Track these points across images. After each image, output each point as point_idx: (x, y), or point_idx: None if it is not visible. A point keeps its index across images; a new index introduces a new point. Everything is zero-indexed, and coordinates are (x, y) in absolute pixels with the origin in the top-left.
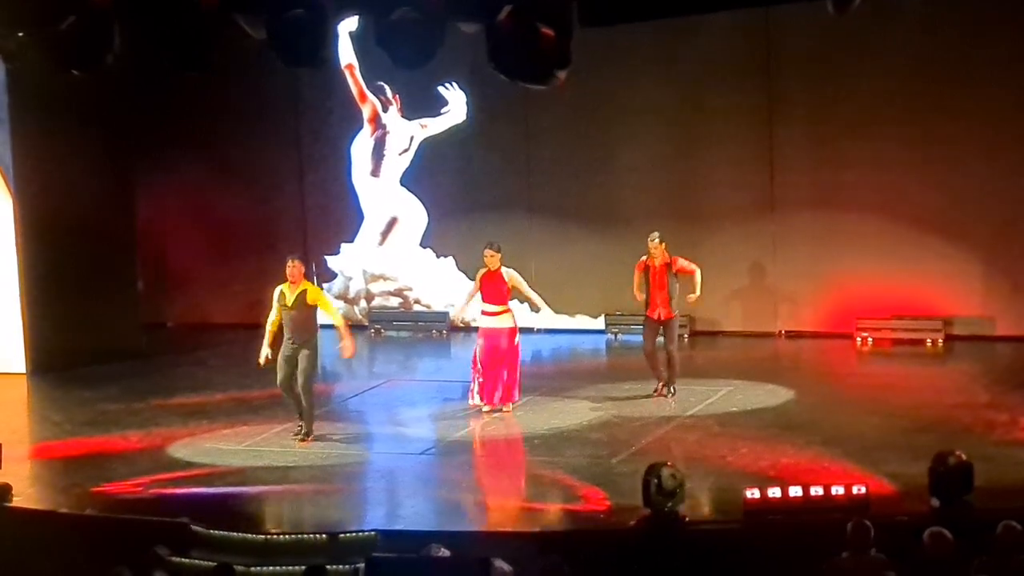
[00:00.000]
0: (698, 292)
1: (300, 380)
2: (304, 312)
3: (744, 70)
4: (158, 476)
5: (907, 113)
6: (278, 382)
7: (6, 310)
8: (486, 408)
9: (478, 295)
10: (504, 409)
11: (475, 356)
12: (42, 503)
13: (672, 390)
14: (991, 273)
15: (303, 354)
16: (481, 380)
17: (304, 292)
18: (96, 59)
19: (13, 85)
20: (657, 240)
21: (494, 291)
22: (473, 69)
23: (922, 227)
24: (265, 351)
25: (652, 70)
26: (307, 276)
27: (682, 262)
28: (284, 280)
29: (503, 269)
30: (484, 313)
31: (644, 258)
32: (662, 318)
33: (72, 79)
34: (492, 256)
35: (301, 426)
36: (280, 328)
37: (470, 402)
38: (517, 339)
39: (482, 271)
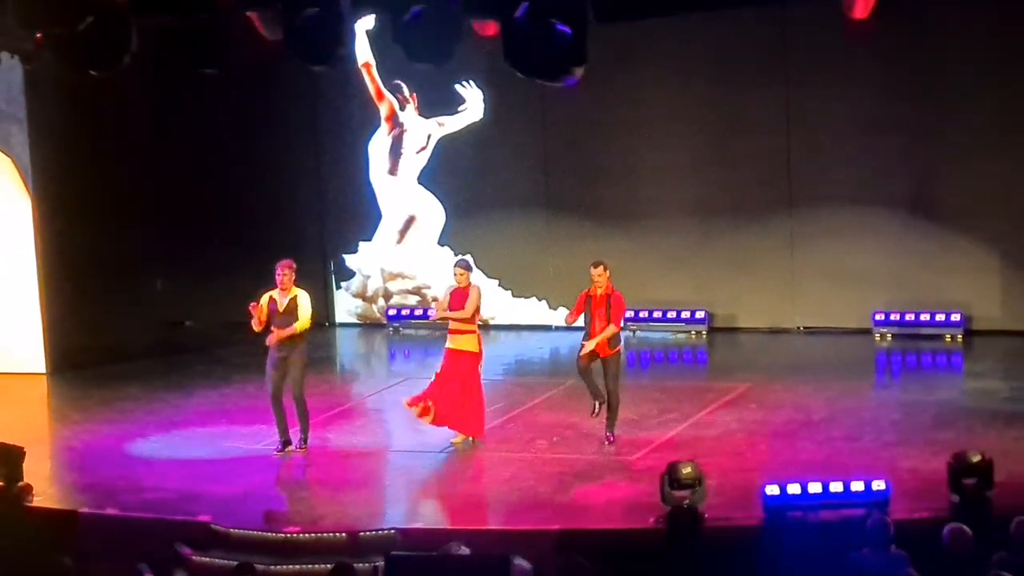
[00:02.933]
0: (592, 344)
1: (293, 390)
2: (294, 319)
3: (762, 66)
4: (178, 475)
5: (925, 109)
6: (270, 393)
7: (25, 310)
8: (410, 410)
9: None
10: (452, 440)
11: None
12: (62, 502)
13: (610, 435)
14: (1010, 267)
15: (292, 362)
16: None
17: (295, 299)
18: (114, 60)
19: (31, 85)
20: (601, 268)
21: (459, 310)
22: (490, 67)
23: (941, 222)
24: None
25: (670, 67)
26: (326, 275)
27: (617, 301)
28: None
29: (472, 287)
30: (449, 331)
31: (587, 288)
32: (600, 353)
33: (90, 78)
34: (461, 274)
35: (284, 441)
36: (266, 327)
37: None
38: (480, 366)
39: (451, 287)
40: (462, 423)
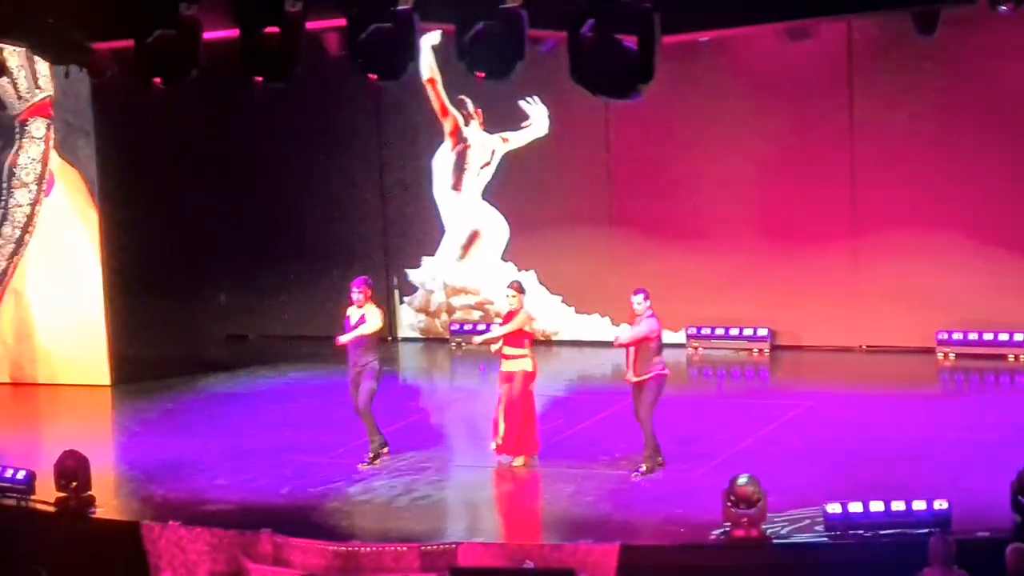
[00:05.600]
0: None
1: (361, 398)
2: (366, 334)
3: (827, 85)
4: (240, 487)
5: (989, 128)
6: (354, 407)
7: (90, 322)
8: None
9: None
10: (514, 463)
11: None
12: (125, 514)
13: (640, 469)
14: None
15: (363, 376)
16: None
17: (364, 314)
18: (181, 73)
19: (97, 98)
20: (642, 297)
21: (510, 333)
22: (555, 83)
23: (1004, 241)
24: None
25: (734, 83)
26: (389, 290)
27: (645, 323)
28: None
29: (521, 311)
30: (502, 356)
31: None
32: (632, 380)
33: (157, 92)
34: (513, 296)
35: (372, 453)
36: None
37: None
38: (532, 385)
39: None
40: (506, 444)
